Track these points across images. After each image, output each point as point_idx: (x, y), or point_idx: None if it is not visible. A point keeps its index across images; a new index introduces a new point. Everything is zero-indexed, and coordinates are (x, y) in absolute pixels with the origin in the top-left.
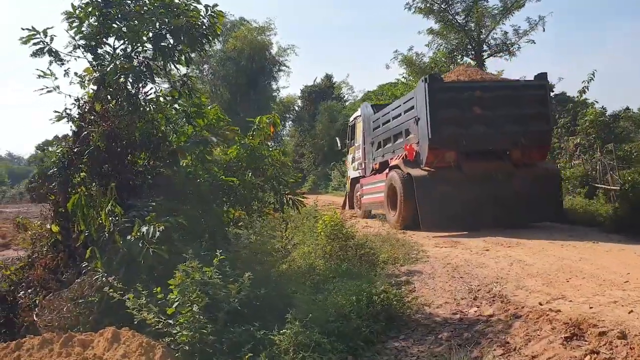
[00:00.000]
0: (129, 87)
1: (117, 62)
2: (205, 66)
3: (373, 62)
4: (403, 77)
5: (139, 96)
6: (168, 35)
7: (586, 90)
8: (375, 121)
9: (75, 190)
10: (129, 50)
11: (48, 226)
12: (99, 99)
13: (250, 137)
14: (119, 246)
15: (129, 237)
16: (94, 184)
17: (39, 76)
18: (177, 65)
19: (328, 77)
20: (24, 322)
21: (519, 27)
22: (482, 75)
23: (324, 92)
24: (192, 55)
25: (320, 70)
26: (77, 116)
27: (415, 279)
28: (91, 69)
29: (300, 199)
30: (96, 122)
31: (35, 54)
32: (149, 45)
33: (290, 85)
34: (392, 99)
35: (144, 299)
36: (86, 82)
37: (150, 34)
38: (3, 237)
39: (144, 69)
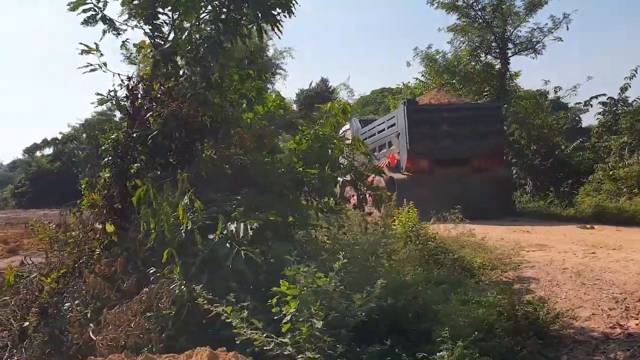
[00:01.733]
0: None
1: (190, 31)
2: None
3: (373, 65)
4: (422, 75)
5: (213, 71)
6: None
7: (628, 87)
8: (363, 134)
9: (132, 183)
10: (185, 24)
11: (98, 225)
12: (158, 77)
13: (320, 126)
14: (198, 248)
15: (211, 236)
16: (158, 174)
17: (83, 51)
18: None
19: (324, 81)
20: (74, 340)
21: (546, 24)
22: (449, 100)
23: (320, 97)
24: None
25: (318, 74)
26: (127, 96)
27: (535, 287)
28: (149, 42)
29: (382, 194)
30: (160, 102)
31: (86, 22)
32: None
33: (287, 88)
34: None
35: (245, 312)
36: (140, 57)
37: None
38: (5, 242)
39: (219, 39)
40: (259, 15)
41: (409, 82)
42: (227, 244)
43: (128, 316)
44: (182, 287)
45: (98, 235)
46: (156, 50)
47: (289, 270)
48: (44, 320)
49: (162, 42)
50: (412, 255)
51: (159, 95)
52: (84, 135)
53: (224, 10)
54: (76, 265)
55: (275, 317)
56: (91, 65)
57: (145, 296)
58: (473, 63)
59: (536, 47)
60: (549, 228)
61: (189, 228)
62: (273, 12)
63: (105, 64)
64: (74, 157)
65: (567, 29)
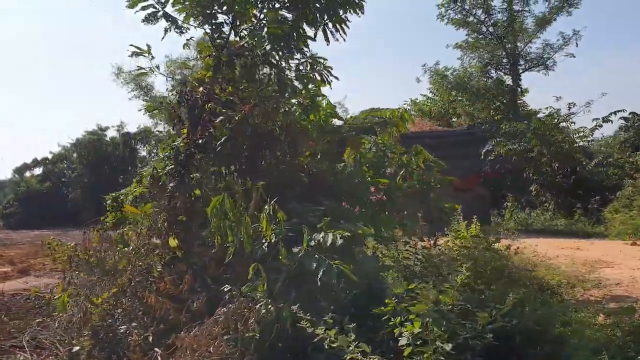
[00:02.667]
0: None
1: (266, 29)
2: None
3: (371, 83)
4: (430, 91)
5: (286, 72)
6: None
7: None
8: None
9: (190, 193)
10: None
11: (156, 240)
12: (218, 80)
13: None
14: (282, 262)
15: (295, 249)
16: (223, 184)
17: (133, 53)
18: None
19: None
20: None
21: (557, 40)
22: (430, 127)
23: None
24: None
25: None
26: (182, 102)
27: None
28: (209, 43)
29: (449, 208)
30: (229, 106)
31: (147, 20)
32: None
33: None
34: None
35: (352, 334)
36: (199, 60)
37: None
38: (12, 263)
39: (294, 37)
40: (326, 16)
41: (417, 99)
42: (315, 258)
43: (207, 340)
44: (269, 306)
45: (157, 251)
46: (218, 52)
47: (398, 288)
48: (98, 345)
49: (224, 43)
50: (483, 273)
51: (230, 98)
52: (74, 154)
53: (286, 10)
54: (132, 284)
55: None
56: (143, 69)
57: (223, 317)
58: (484, 79)
59: (547, 63)
60: (593, 245)
61: (272, 241)
62: (341, 11)
63: (158, 67)
64: (63, 177)
65: (577, 45)
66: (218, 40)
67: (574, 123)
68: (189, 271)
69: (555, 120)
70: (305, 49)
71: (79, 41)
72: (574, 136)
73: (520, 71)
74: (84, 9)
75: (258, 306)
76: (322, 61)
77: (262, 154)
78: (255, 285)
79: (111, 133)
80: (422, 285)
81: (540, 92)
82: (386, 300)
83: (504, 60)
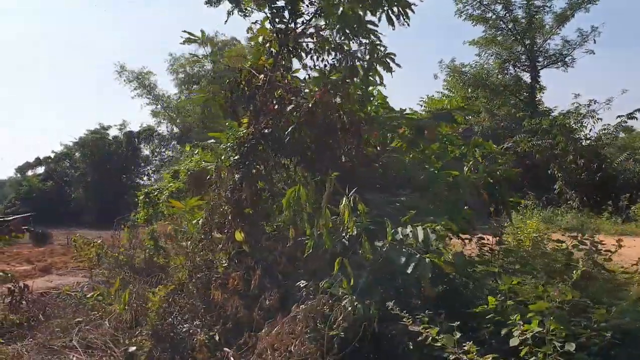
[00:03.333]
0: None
1: (341, 9)
2: (196, 86)
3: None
4: (447, 88)
5: (360, 57)
6: None
7: None
8: None
9: (255, 185)
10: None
11: (218, 235)
12: (279, 67)
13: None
14: (365, 257)
15: (379, 243)
16: (306, 175)
17: (185, 40)
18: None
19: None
20: None
21: (579, 35)
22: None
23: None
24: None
25: None
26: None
27: None
28: (269, 28)
29: (514, 202)
30: (297, 93)
31: (210, 2)
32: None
33: None
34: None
35: (456, 333)
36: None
37: None
38: (29, 261)
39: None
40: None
41: (433, 95)
42: (403, 252)
43: (288, 338)
44: (356, 303)
45: (222, 246)
46: (280, 37)
47: (504, 284)
48: (160, 345)
49: (285, 28)
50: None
51: (301, 85)
52: (77, 153)
53: None
54: (193, 280)
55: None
56: (197, 56)
57: (302, 314)
58: (500, 76)
59: (566, 60)
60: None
61: (354, 234)
62: None
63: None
64: (66, 177)
65: (595, 42)
66: (279, 25)
67: (601, 119)
68: (257, 266)
69: (580, 117)
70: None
71: (78, 40)
72: (600, 132)
73: (539, 68)
74: (84, 8)
75: (343, 303)
76: (381, 49)
77: (330, 143)
78: (335, 281)
79: (113, 132)
80: (532, 281)
81: (556, 90)
82: (489, 298)
83: (523, 57)
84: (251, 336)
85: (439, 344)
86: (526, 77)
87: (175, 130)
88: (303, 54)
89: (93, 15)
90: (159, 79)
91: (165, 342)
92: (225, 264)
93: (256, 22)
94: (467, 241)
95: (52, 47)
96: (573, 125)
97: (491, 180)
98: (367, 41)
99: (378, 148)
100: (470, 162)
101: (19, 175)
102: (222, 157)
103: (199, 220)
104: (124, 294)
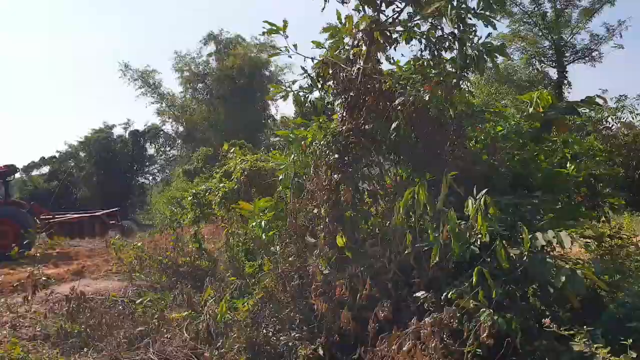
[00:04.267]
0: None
1: None
2: (200, 85)
3: None
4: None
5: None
6: None
7: None
8: None
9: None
10: None
11: (310, 239)
12: (370, 57)
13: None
14: (497, 266)
15: (515, 250)
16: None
17: (267, 31)
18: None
19: (322, 98)
20: None
21: (609, 27)
22: None
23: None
24: None
25: None
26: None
27: None
28: (367, 16)
29: (615, 202)
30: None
31: None
32: None
33: (287, 105)
34: None
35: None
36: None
37: None
38: (55, 265)
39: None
40: None
41: None
42: (543, 261)
43: (421, 355)
44: (497, 316)
45: (319, 251)
46: (375, 26)
47: None
48: (257, 359)
49: (377, 14)
50: None
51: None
52: (82, 153)
53: None
54: (288, 288)
55: None
56: (276, 49)
57: (429, 329)
58: (527, 72)
59: (593, 55)
60: None
61: (486, 240)
62: None
63: (295, 46)
64: (70, 176)
65: (621, 36)
66: (372, 14)
67: None
68: (364, 275)
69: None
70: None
71: (82, 39)
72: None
73: (566, 63)
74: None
75: (482, 317)
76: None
77: (438, 140)
78: (464, 292)
79: (118, 131)
80: None
81: (583, 86)
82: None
83: (549, 52)
84: (367, 351)
85: None
86: (552, 72)
87: (181, 129)
88: (403, 43)
89: (98, 15)
90: (164, 77)
91: (262, 356)
92: (327, 271)
93: (356, 6)
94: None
95: (57, 46)
96: (609, 120)
97: (592, 180)
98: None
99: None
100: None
101: (24, 175)
102: (318, 156)
103: (262, 222)
104: (221, 304)
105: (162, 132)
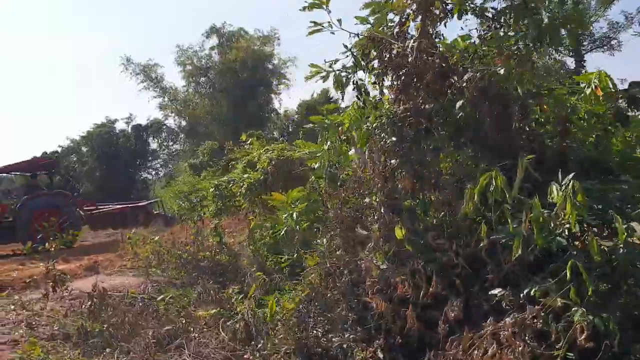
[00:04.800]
0: None
1: None
2: (203, 78)
3: None
4: None
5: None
6: None
7: None
8: None
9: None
10: None
11: (360, 230)
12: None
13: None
14: (591, 259)
15: (608, 241)
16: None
17: (307, 5)
18: None
19: (325, 92)
20: None
21: (624, 16)
22: None
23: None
24: None
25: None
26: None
27: None
28: None
29: None
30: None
31: None
32: None
33: (291, 98)
34: None
35: None
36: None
37: None
38: (66, 260)
39: None
40: None
41: None
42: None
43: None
44: (592, 316)
45: (373, 244)
46: None
47: None
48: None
49: None
50: None
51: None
52: (84, 148)
53: None
54: (337, 284)
55: None
56: (318, 24)
57: (509, 330)
58: (543, 60)
59: (612, 43)
60: None
61: (575, 229)
62: None
63: (340, 21)
64: (73, 171)
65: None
66: None
67: None
68: (428, 270)
69: None
70: None
71: (84, 34)
72: None
73: (584, 52)
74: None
75: (577, 316)
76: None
77: (508, 121)
78: (547, 289)
79: (120, 126)
80: None
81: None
82: None
83: (566, 41)
84: (437, 355)
85: None
86: (570, 62)
87: (183, 123)
88: (467, 15)
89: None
90: (166, 71)
91: (313, 359)
92: (384, 266)
93: None
94: None
95: (57, 46)
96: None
97: None
98: None
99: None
100: None
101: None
102: (374, 141)
103: (293, 213)
104: (271, 302)
105: (164, 127)
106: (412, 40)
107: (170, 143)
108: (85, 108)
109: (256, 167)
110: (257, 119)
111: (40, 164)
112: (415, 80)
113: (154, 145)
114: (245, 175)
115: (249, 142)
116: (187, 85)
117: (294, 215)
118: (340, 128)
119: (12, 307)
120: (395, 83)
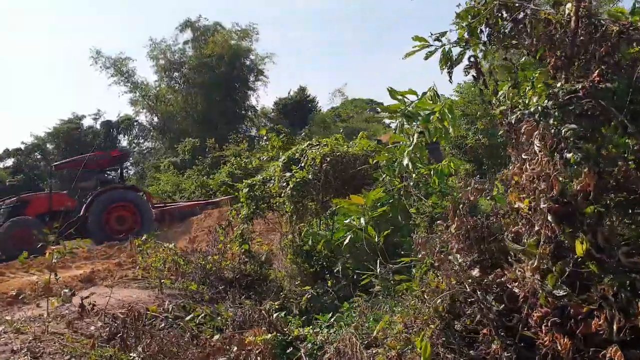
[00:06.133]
0: None
1: None
2: (176, 73)
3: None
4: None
5: None
6: None
7: None
8: None
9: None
10: None
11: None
12: None
13: None
14: None
15: None
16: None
17: None
18: None
19: (302, 89)
20: None
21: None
22: None
23: (299, 106)
24: None
25: (311, 80)
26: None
27: None
28: None
29: None
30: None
31: None
32: None
33: (268, 95)
34: None
35: None
36: None
37: None
38: (50, 269)
39: None
40: None
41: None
42: None
43: None
44: None
45: (536, 262)
46: None
47: None
48: None
49: None
50: None
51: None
52: (49, 145)
53: None
54: (485, 320)
55: None
56: None
57: None
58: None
59: None
60: None
61: None
62: None
63: None
64: (37, 169)
65: None
66: None
67: None
68: (621, 297)
69: None
70: None
71: (51, 23)
72: None
73: None
74: None
75: None
76: None
77: None
78: None
79: (88, 122)
80: None
81: None
82: None
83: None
84: None
85: None
86: None
87: (156, 120)
88: None
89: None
90: (137, 65)
91: None
92: (561, 293)
93: None
94: None
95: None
96: None
97: None
98: None
99: None
100: None
101: None
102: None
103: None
104: (424, 344)
105: (136, 123)
106: (567, 4)
107: (141, 140)
108: (85, 107)
109: (300, 163)
110: (233, 115)
111: (113, 156)
112: (580, 53)
113: (124, 142)
114: (288, 174)
115: (269, 137)
116: (159, 80)
117: (362, 220)
118: (432, 117)
119: (2, 328)
120: (552, 58)
